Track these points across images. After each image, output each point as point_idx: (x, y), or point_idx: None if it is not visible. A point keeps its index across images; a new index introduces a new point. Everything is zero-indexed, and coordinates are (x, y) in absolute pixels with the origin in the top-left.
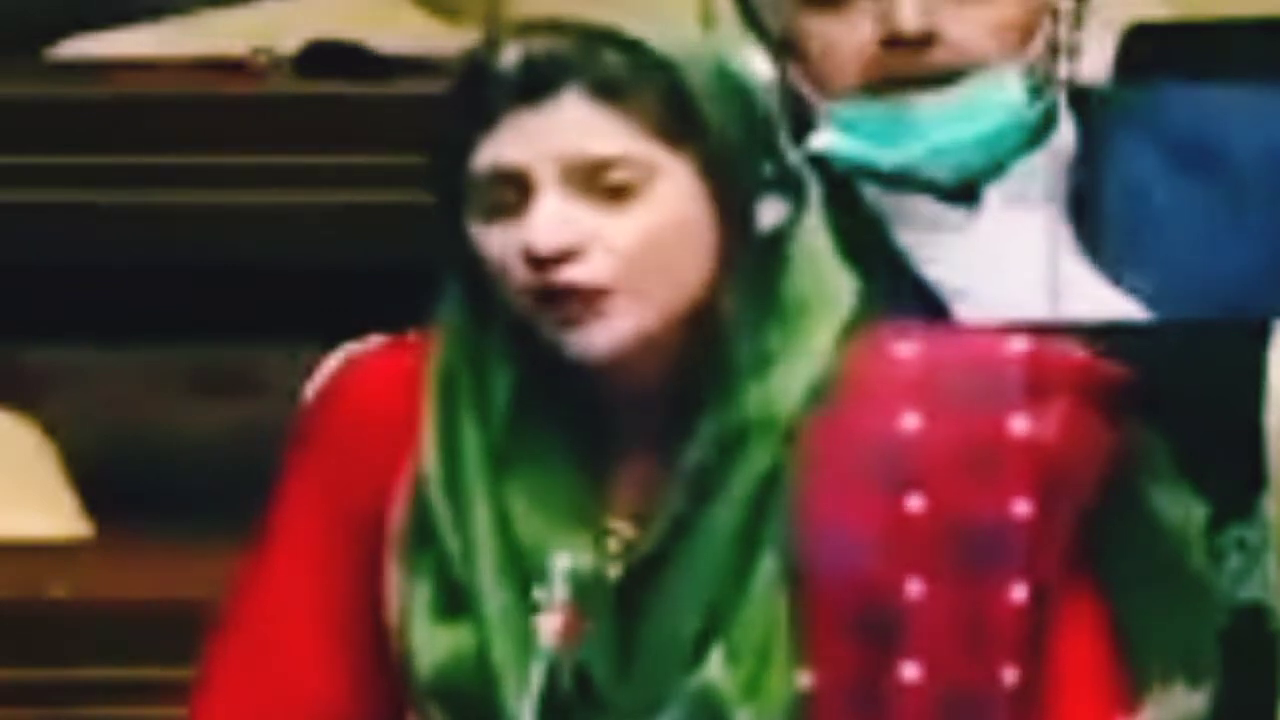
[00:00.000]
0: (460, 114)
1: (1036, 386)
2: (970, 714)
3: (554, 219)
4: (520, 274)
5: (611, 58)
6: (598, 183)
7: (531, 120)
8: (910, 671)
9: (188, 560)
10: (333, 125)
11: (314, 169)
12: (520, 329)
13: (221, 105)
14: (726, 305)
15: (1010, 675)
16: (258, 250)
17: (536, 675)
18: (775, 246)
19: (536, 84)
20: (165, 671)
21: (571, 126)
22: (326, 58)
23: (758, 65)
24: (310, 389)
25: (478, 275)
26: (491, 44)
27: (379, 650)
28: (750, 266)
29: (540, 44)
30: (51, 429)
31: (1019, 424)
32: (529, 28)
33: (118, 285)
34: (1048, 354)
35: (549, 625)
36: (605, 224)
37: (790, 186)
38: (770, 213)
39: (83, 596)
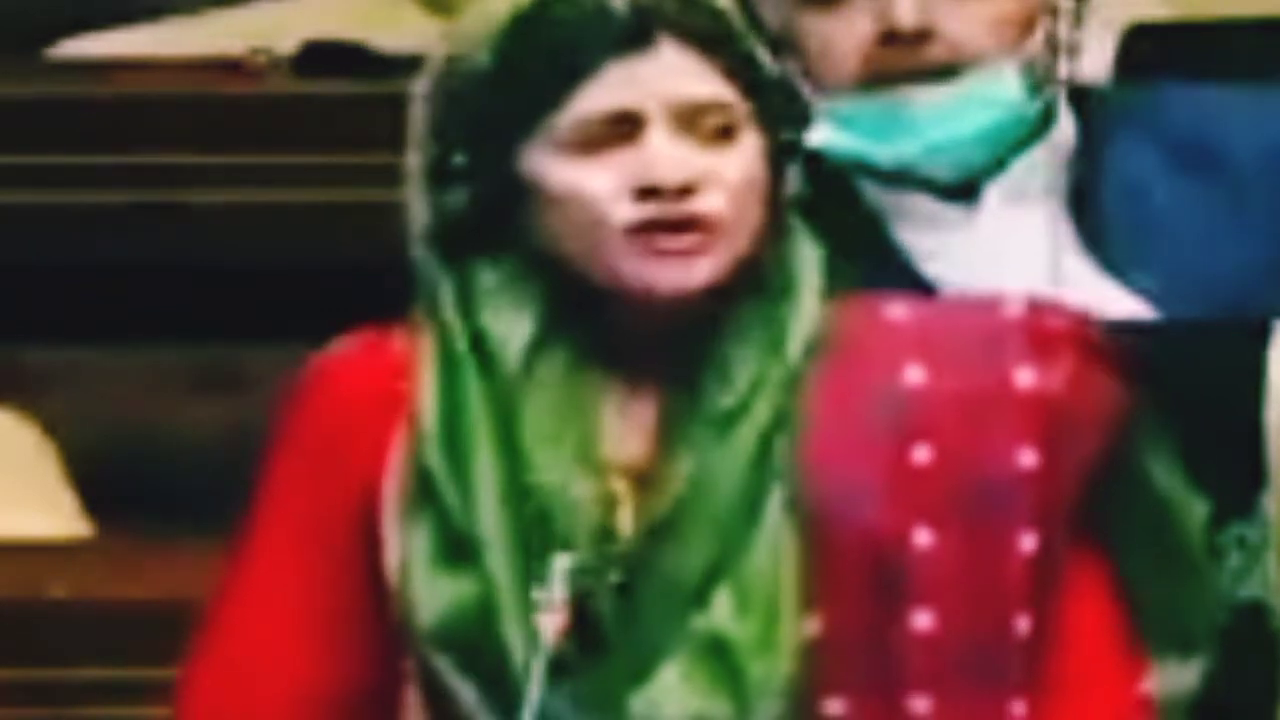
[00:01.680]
0: (544, 67)
1: (1039, 342)
2: (984, 663)
3: (673, 154)
4: (626, 209)
5: (699, 13)
6: (700, 125)
7: (637, 66)
8: (923, 621)
9: (188, 560)
10: (332, 125)
11: (313, 169)
12: (543, 277)
13: (220, 105)
14: (756, 260)
15: (1023, 624)
16: (258, 250)
17: (545, 622)
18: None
19: (640, 32)
20: (165, 671)
21: (673, 71)
22: (325, 57)
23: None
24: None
25: (512, 223)
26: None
27: (367, 637)
28: (781, 226)
29: None
30: (51, 429)
31: (1024, 376)
32: None
33: (118, 285)
34: (1047, 313)
35: (550, 624)
36: (711, 162)
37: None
38: (793, 179)
39: (83, 596)
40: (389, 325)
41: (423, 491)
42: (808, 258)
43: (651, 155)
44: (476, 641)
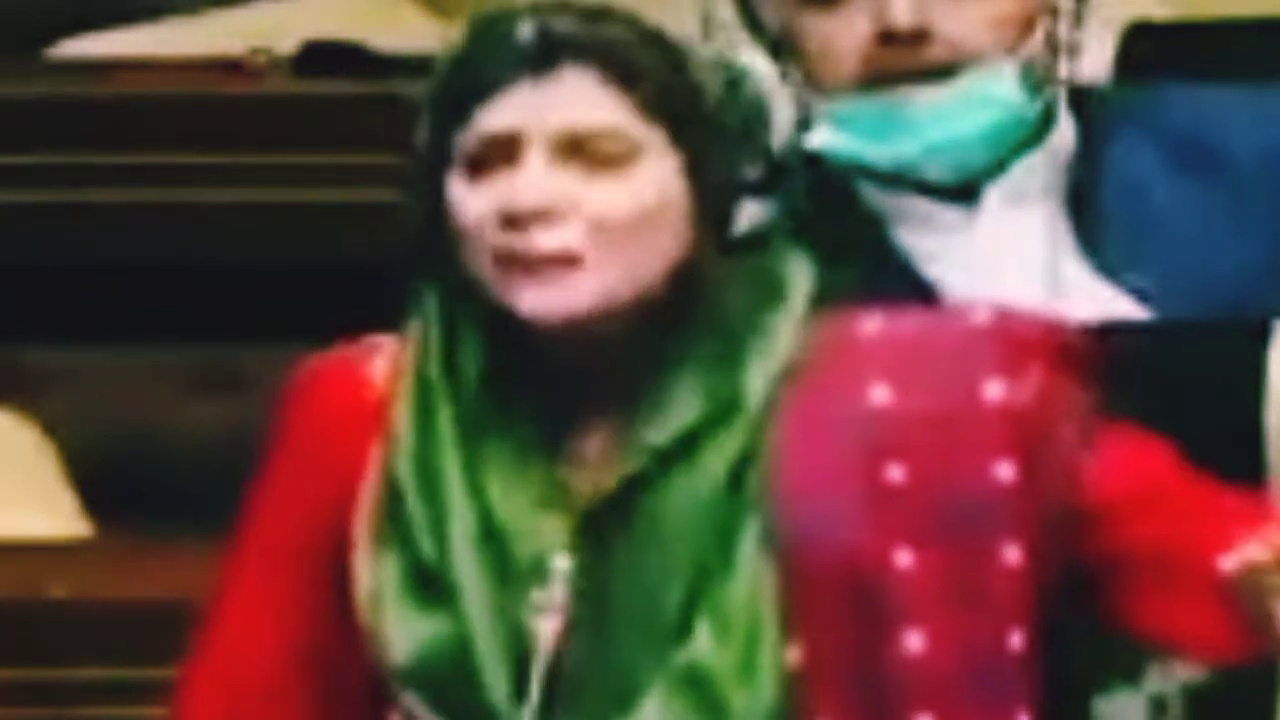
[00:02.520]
0: (458, 89)
1: (1007, 353)
2: (984, 679)
3: (537, 180)
4: (492, 235)
5: (619, 38)
6: (585, 151)
7: (531, 91)
8: (914, 641)
9: (188, 560)
10: (331, 125)
11: (313, 169)
12: (490, 305)
13: (220, 105)
14: (696, 289)
15: (1016, 638)
16: (258, 250)
17: (544, 623)
18: (744, 239)
19: (541, 57)
20: (165, 671)
21: (569, 99)
22: (324, 58)
23: (758, 65)
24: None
25: (448, 251)
26: (497, 20)
27: (362, 641)
28: (721, 255)
29: (551, 20)
30: (51, 429)
31: (993, 389)
32: (540, 7)
33: (118, 285)
34: (1014, 321)
35: (549, 627)
36: (587, 191)
37: (771, 189)
38: (748, 212)
39: (83, 596)
40: (386, 329)
41: (394, 522)
42: (773, 281)
43: (519, 180)
44: (450, 678)
